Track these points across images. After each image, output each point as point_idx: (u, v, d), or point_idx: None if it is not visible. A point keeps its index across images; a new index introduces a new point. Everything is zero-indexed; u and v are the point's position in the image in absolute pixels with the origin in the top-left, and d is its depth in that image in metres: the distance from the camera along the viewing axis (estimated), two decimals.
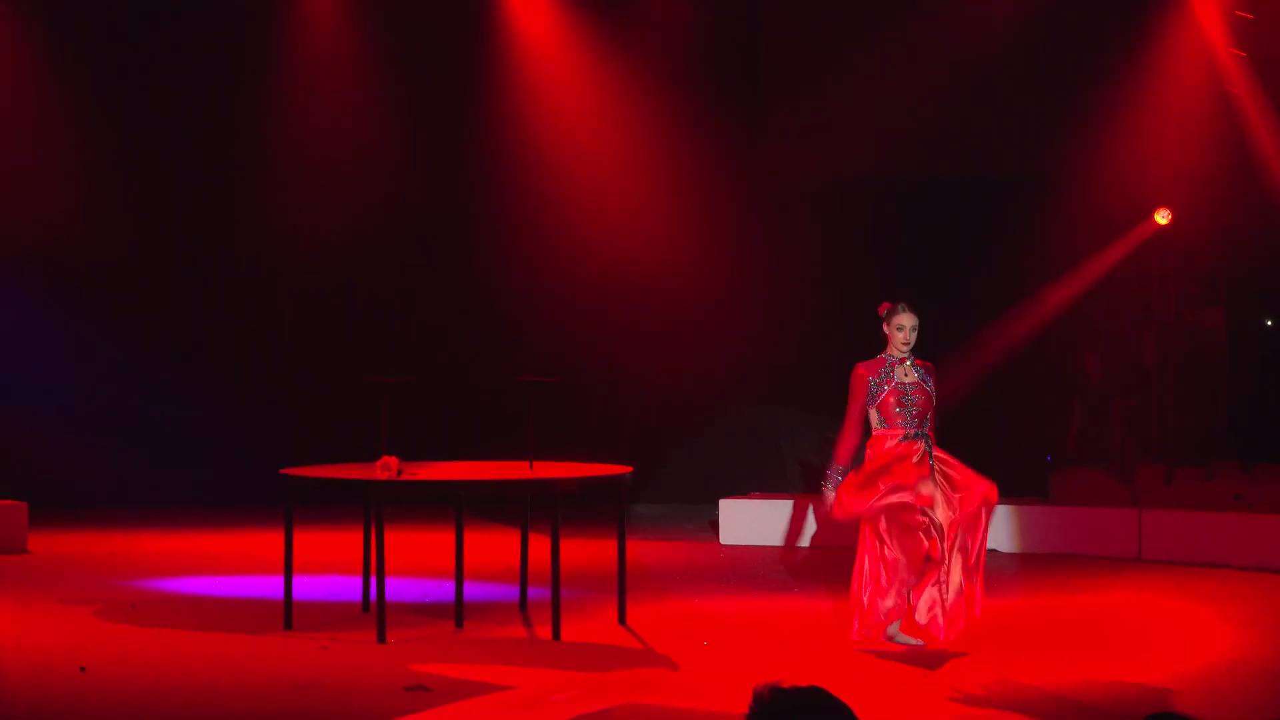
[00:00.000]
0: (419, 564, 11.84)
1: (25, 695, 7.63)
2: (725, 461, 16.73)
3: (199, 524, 14.83)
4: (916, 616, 8.71)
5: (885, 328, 8.88)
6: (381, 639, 8.92)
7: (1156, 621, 9.92)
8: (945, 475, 8.67)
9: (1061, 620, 9.92)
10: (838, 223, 16.59)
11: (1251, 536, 12.30)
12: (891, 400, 8.73)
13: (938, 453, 8.73)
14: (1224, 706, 7.46)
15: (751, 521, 13.78)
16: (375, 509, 9.19)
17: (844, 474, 8.79)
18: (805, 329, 16.36)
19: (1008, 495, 13.54)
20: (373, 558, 9.31)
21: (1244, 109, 15.39)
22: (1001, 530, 13.16)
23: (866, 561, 8.72)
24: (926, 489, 8.56)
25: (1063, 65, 15.99)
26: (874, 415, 8.81)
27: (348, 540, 12.16)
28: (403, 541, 12.20)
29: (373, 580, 9.39)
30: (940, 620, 8.64)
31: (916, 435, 8.72)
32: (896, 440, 8.73)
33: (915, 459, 8.65)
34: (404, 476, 9.16)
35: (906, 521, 8.59)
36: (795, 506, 13.72)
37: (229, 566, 12.15)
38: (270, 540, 11.86)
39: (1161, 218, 16.10)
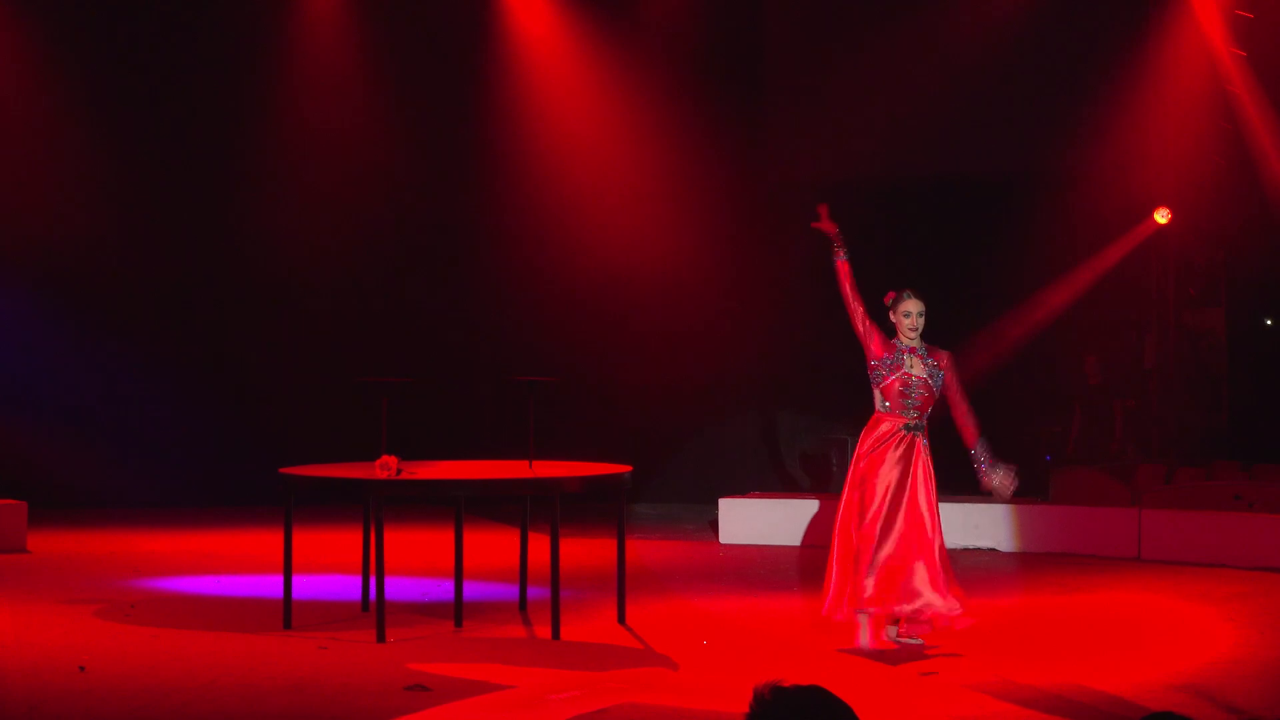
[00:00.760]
0: (418, 563, 11.85)
1: (24, 694, 7.63)
2: (725, 461, 16.73)
3: (198, 523, 14.83)
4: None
5: (892, 316, 8.90)
6: (381, 638, 8.92)
7: (1156, 621, 9.92)
8: (915, 485, 8.67)
9: (1061, 620, 9.92)
10: (838, 222, 16.53)
11: (1251, 536, 12.31)
12: (897, 387, 8.75)
13: (926, 457, 8.74)
14: (1224, 706, 7.46)
15: (751, 521, 13.78)
16: (375, 508, 9.18)
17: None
18: (805, 329, 16.36)
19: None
20: (372, 557, 9.30)
21: (1244, 109, 15.39)
22: (1002, 530, 13.17)
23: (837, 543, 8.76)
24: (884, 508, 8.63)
25: (1063, 65, 16.00)
26: (878, 396, 8.82)
27: (347, 540, 12.17)
28: (402, 541, 12.21)
29: (372, 580, 9.39)
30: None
31: (915, 427, 8.72)
32: (892, 428, 8.73)
33: (897, 453, 8.67)
34: (403, 476, 9.16)
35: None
36: (795, 506, 13.72)
37: (228, 566, 12.15)
38: (270, 540, 11.87)
39: (1161, 217, 16.12)
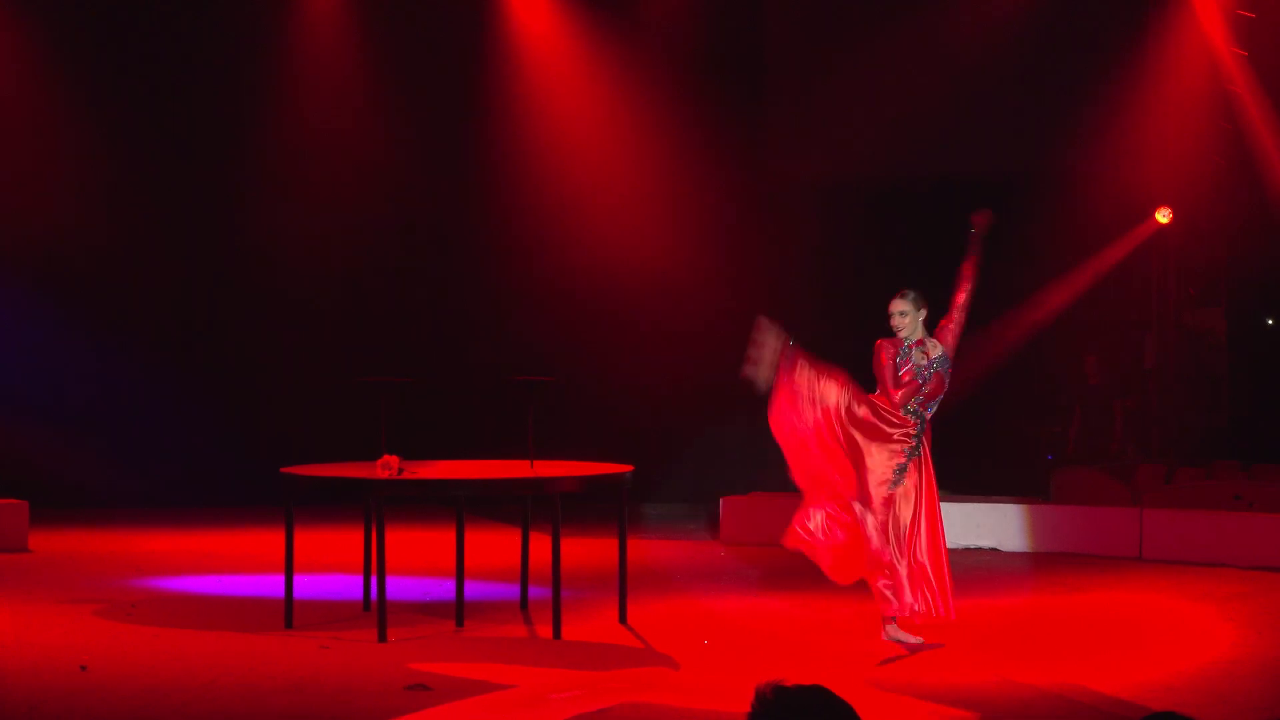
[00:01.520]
0: (420, 563, 11.85)
1: (25, 694, 7.63)
2: (726, 460, 16.73)
3: (199, 523, 14.83)
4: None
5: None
6: (382, 638, 8.92)
7: (1157, 620, 9.92)
8: (918, 479, 8.73)
9: (1062, 619, 9.92)
10: (838, 222, 16.59)
11: (1251, 536, 12.31)
12: (906, 379, 8.79)
13: (926, 452, 8.79)
14: (1224, 705, 7.46)
15: (753, 520, 13.77)
16: (376, 508, 9.18)
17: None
18: (805, 328, 16.34)
19: (1009, 494, 13.64)
20: (373, 557, 9.31)
21: (1245, 108, 15.39)
22: (1003, 529, 13.17)
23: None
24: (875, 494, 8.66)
25: (1063, 65, 15.99)
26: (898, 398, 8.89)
27: (348, 539, 12.17)
28: (403, 541, 12.21)
29: (373, 579, 9.39)
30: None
31: (918, 415, 8.75)
32: (898, 412, 8.77)
33: (895, 440, 8.70)
34: (405, 475, 9.16)
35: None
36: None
37: (230, 565, 12.15)
38: (271, 539, 11.86)
39: (1162, 216, 16.12)
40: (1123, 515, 12.94)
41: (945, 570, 8.75)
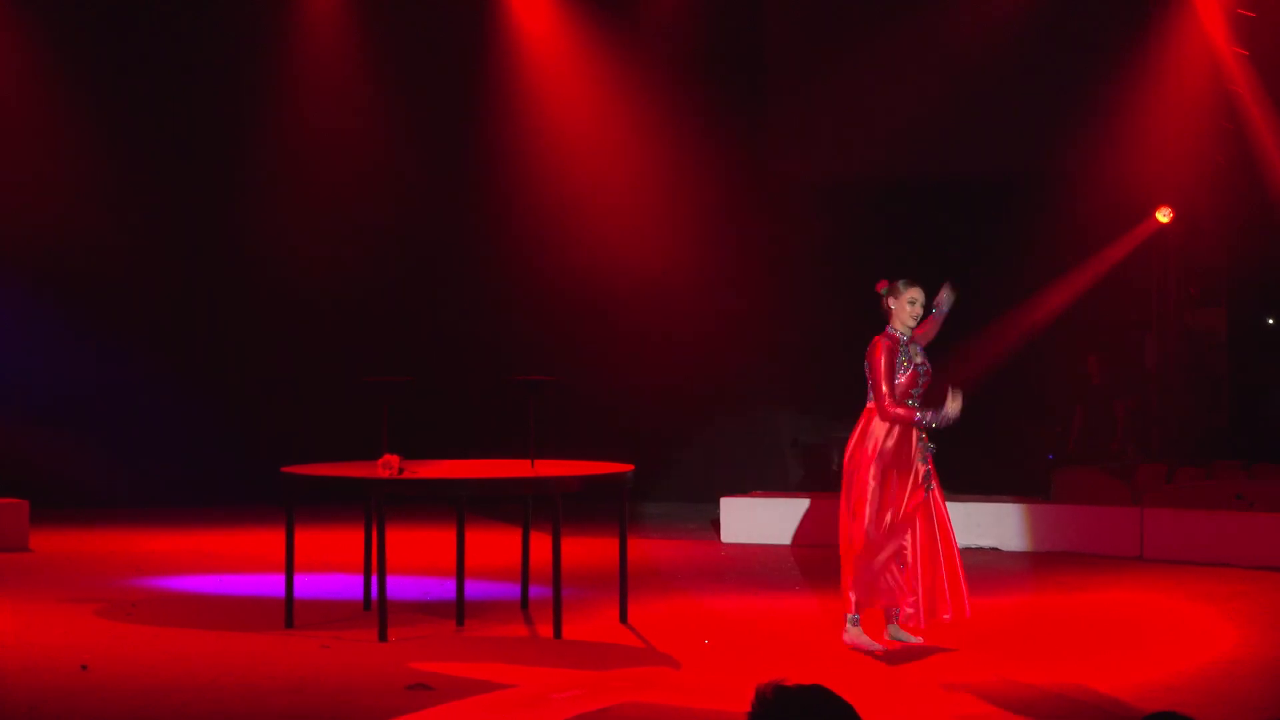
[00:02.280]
0: (420, 562, 11.85)
1: (26, 693, 7.63)
2: (727, 460, 16.73)
3: (200, 523, 14.83)
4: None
5: (892, 303, 8.79)
6: (383, 637, 8.92)
7: (1158, 620, 9.92)
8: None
9: (1063, 619, 9.92)
10: (838, 221, 16.58)
11: (1253, 536, 12.30)
12: (906, 382, 8.67)
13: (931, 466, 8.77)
14: (1225, 705, 7.46)
15: (753, 520, 13.78)
16: (376, 507, 9.18)
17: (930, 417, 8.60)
18: (806, 327, 16.36)
19: (1010, 494, 13.64)
20: (374, 556, 9.31)
21: (1246, 107, 15.38)
22: (1004, 529, 13.17)
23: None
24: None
25: (1064, 64, 15.99)
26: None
27: (349, 539, 12.17)
28: (404, 540, 12.21)
29: (374, 579, 9.39)
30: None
31: (923, 425, 8.64)
32: (909, 440, 8.67)
33: (918, 478, 8.65)
34: (405, 475, 9.16)
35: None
36: (797, 505, 13.71)
37: (230, 565, 12.15)
38: (271, 539, 11.86)
39: (1163, 216, 16.11)
40: (1123, 515, 12.93)
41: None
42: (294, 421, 16.78)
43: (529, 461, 9.72)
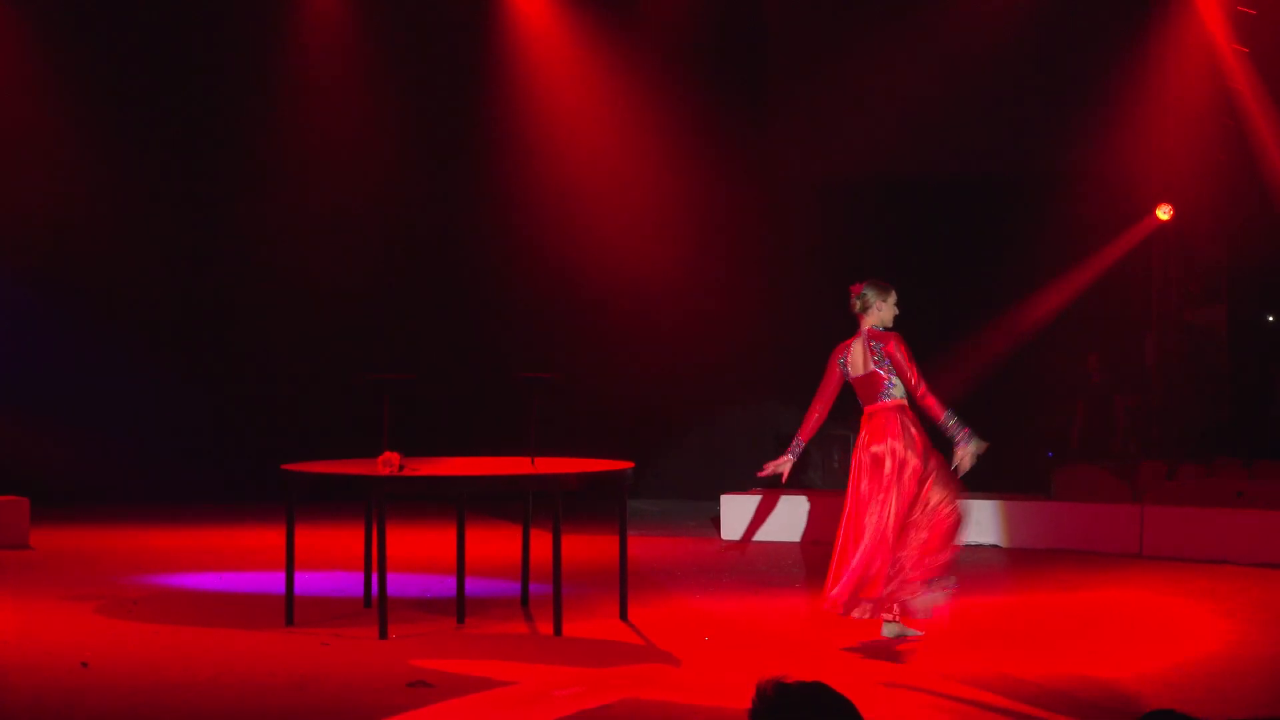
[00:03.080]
0: (421, 560, 11.86)
1: (27, 690, 7.64)
2: (727, 457, 16.73)
3: (201, 520, 14.84)
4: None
5: (880, 304, 8.89)
6: (383, 635, 8.93)
7: (1157, 617, 9.93)
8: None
9: (1063, 616, 9.93)
10: (839, 220, 16.59)
11: (1252, 533, 12.31)
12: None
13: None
14: (1225, 702, 7.46)
15: (753, 517, 13.79)
16: (377, 505, 9.19)
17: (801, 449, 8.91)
18: (807, 325, 16.36)
19: (1011, 491, 13.65)
20: (374, 553, 9.31)
21: (1246, 105, 15.39)
22: (1004, 526, 13.18)
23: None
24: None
25: (1063, 63, 15.99)
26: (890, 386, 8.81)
27: (349, 536, 12.18)
28: (404, 537, 12.22)
29: (374, 576, 9.39)
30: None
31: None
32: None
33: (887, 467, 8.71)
34: (405, 472, 9.16)
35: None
36: (797, 502, 13.72)
37: (231, 562, 12.16)
38: (272, 536, 11.87)
39: (1163, 213, 16.11)
40: (1124, 512, 12.95)
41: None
42: (294, 419, 16.79)
43: (529, 459, 9.73)
